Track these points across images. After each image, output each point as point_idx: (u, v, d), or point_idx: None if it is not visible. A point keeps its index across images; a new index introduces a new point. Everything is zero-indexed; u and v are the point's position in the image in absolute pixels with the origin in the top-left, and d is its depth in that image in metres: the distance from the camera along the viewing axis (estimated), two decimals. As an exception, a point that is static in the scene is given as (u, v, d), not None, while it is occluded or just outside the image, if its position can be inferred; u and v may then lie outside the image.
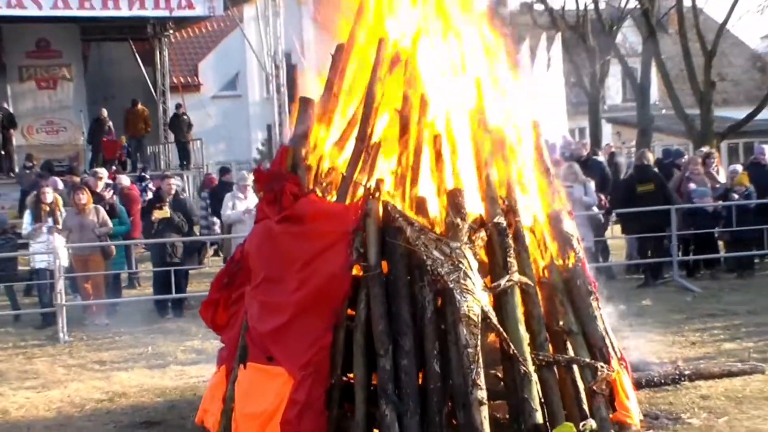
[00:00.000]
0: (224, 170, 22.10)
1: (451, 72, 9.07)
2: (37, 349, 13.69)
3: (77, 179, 19.90)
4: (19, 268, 16.86)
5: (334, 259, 8.25)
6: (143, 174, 23.86)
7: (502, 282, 8.31)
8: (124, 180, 20.87)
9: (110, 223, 16.11)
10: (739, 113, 33.33)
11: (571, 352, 8.49)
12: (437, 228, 8.33)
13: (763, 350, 11.50)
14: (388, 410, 7.91)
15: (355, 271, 8.30)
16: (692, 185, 17.69)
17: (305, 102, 9.10)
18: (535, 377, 8.16)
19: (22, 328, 15.50)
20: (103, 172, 19.96)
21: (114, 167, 25.18)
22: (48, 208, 15.96)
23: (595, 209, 17.19)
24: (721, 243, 18.17)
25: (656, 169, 18.41)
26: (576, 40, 36.39)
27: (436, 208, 8.50)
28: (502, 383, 8.37)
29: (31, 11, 23.41)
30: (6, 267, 16.09)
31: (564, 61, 32.46)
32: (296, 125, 9.30)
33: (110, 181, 19.96)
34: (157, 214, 16.21)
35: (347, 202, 8.59)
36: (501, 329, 8.16)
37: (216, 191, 20.14)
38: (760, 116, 32.09)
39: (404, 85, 8.82)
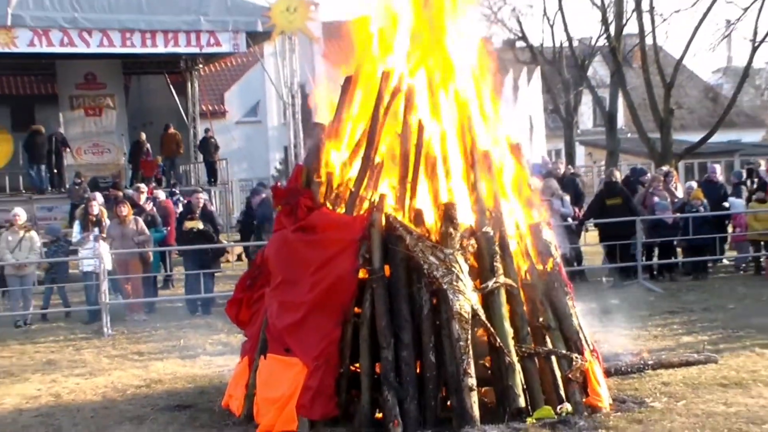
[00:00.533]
0: (262, 186, 21.91)
1: (445, 101, 9.07)
2: (84, 342, 13.68)
3: (119, 194, 19.88)
4: (70, 271, 16.87)
5: (342, 264, 8.25)
6: (173, 189, 23.84)
7: (490, 284, 8.31)
8: (161, 194, 20.88)
9: (147, 232, 16.15)
10: (694, 137, 33.34)
11: (549, 345, 8.48)
12: (433, 236, 8.33)
13: (716, 342, 11.48)
14: (390, 395, 7.90)
15: (361, 274, 8.30)
16: (656, 199, 17.73)
17: (317, 126, 9.10)
18: (518, 367, 8.16)
19: (72, 323, 15.50)
20: (145, 187, 19.97)
21: (152, 184, 25.14)
22: (94, 219, 15.97)
23: (570, 220, 17.15)
24: (679, 250, 18.16)
25: (623, 186, 18.41)
26: (553, 73, 36.40)
27: (431, 219, 8.50)
28: (489, 372, 8.35)
29: (81, 49, 23.35)
30: (59, 270, 16.10)
31: (542, 91, 32.47)
32: (309, 147, 9.31)
33: (149, 196, 19.93)
34: (188, 224, 16.26)
35: (354, 214, 8.59)
36: (488, 325, 8.15)
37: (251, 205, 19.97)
38: (712, 140, 32.08)
39: (404, 111, 8.83)
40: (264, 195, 17.41)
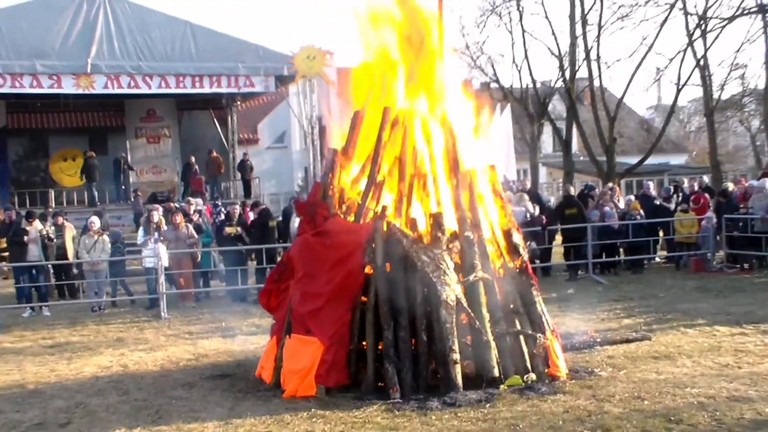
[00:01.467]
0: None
1: (434, 130, 9.05)
2: (146, 323, 13.65)
3: (173, 205, 19.84)
4: (134, 267, 16.84)
5: (352, 262, 8.24)
6: (216, 203, 23.89)
7: (470, 278, 8.29)
8: (199, 204, 20.79)
9: (196, 236, 16.13)
10: (632, 160, 33.33)
11: (518, 326, 8.45)
12: (425, 239, 8.31)
13: (650, 324, 11.45)
14: (390, 367, 7.89)
15: (368, 270, 8.28)
16: (606, 208, 17.80)
17: (332, 151, 9.10)
18: (493, 344, 8.14)
19: (136, 308, 15.48)
20: (197, 200, 19.98)
21: (199, 198, 25.08)
22: (155, 225, 15.95)
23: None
24: (621, 250, 18.13)
25: (578, 199, 18.45)
26: (520, 108, 36.34)
27: (424, 226, 8.48)
28: (470, 348, 8.32)
29: (144, 90, 23.51)
30: (119, 267, 16.06)
31: (512, 123, 32.46)
32: (325, 167, 9.31)
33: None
34: (228, 230, 16.28)
35: (362, 221, 8.57)
36: (469, 310, 8.13)
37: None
38: (647, 162, 32.16)
39: (402, 139, 8.82)
40: (263, 206, 17.45)
